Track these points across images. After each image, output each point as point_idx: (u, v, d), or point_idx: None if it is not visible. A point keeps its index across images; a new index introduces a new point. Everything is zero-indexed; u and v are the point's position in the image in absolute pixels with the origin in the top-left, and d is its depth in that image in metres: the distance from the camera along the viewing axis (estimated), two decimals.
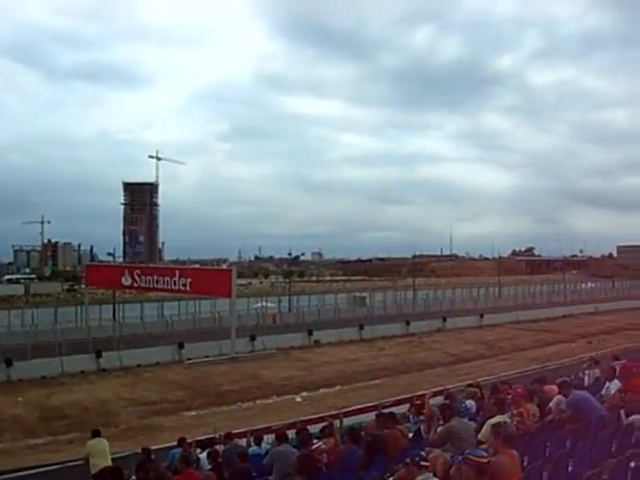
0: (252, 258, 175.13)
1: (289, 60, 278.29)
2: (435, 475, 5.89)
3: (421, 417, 11.99)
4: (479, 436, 7.91)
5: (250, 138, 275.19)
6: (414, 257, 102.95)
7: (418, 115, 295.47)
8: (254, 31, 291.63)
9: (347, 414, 17.96)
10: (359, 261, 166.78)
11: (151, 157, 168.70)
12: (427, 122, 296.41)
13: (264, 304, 53.18)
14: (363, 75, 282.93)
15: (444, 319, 49.43)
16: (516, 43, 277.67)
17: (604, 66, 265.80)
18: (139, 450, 11.95)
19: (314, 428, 12.66)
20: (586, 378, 15.25)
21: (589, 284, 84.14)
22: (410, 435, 9.87)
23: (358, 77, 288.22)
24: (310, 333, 41.35)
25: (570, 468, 6.77)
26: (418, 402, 15.05)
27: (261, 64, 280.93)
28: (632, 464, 6.17)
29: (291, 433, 11.68)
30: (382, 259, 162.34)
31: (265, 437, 13.19)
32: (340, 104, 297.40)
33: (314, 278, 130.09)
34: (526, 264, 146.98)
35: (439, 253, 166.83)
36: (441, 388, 18.63)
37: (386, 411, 12.51)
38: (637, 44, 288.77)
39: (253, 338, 38.02)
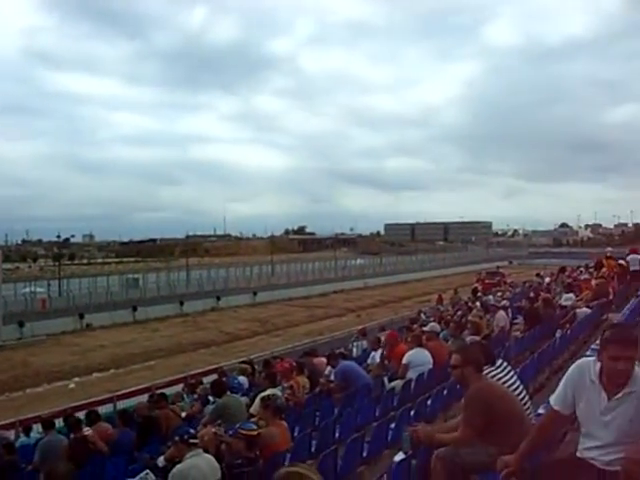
0: (20, 242, 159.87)
1: (60, 36, 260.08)
2: (206, 451, 5.91)
3: (195, 396, 12.07)
4: (251, 410, 8.12)
5: (16, 116, 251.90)
6: (187, 237, 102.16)
7: (192, 95, 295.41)
8: (20, 3, 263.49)
9: (121, 397, 17.94)
10: (132, 242, 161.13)
11: None
12: (201, 103, 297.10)
13: (32, 289, 50.22)
14: (138, 53, 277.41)
15: (218, 298, 50.17)
16: (290, 28, 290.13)
17: (371, 54, 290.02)
18: None
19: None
20: (354, 349, 16.45)
21: (358, 261, 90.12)
22: (184, 414, 9.86)
23: (133, 55, 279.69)
24: (82, 317, 40.77)
25: (337, 434, 7.22)
26: (192, 381, 15.15)
27: (29, 39, 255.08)
28: (392, 425, 6.76)
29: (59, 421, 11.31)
30: (155, 240, 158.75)
31: (34, 427, 12.68)
32: (114, 82, 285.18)
33: (85, 261, 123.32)
34: (298, 242, 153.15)
35: (213, 233, 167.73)
36: (215, 366, 18.96)
37: (158, 392, 12.59)
38: (399, 35, 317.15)
39: (22, 324, 36.86)
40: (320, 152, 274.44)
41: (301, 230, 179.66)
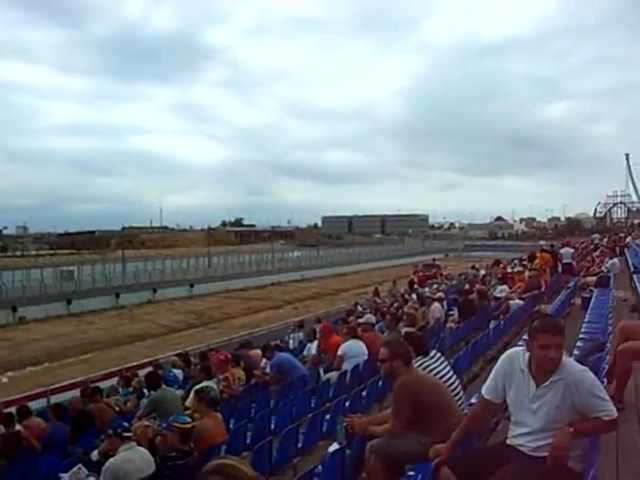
0: None
1: None
2: (140, 445, 5.84)
3: (130, 389, 11.91)
4: (186, 403, 8.03)
5: None
6: (123, 229, 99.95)
7: (129, 85, 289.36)
8: None
9: (55, 391, 17.50)
10: (67, 234, 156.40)
11: None
12: (138, 93, 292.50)
13: None
14: (73, 41, 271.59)
15: (154, 290, 49.39)
16: (229, 19, 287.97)
17: (311, 46, 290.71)
18: None
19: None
20: (291, 341, 16.46)
21: (296, 253, 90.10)
22: (118, 408, 9.72)
23: (68, 43, 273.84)
24: (15, 310, 39.62)
25: (272, 426, 7.22)
26: (128, 374, 14.91)
27: None
28: (327, 416, 6.80)
29: None
30: (91, 232, 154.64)
31: None
32: (48, 71, 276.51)
33: (19, 253, 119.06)
34: (235, 234, 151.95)
35: (149, 225, 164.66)
36: (151, 359, 18.69)
37: (92, 385, 12.40)
38: (340, 28, 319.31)
39: None
40: (258, 144, 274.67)
41: (238, 222, 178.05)
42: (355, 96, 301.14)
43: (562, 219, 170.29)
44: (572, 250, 20.49)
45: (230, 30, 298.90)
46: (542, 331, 3.31)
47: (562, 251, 19.87)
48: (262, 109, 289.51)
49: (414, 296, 19.83)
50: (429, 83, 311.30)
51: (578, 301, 13.78)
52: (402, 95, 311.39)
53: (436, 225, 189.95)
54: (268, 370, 10.06)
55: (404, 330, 9.62)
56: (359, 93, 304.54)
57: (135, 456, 5.57)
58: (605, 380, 4.79)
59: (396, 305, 19.42)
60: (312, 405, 8.07)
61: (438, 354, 5.51)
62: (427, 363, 5.25)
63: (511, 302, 13.25)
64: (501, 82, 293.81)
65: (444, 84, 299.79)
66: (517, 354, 3.51)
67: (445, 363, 5.44)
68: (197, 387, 7.75)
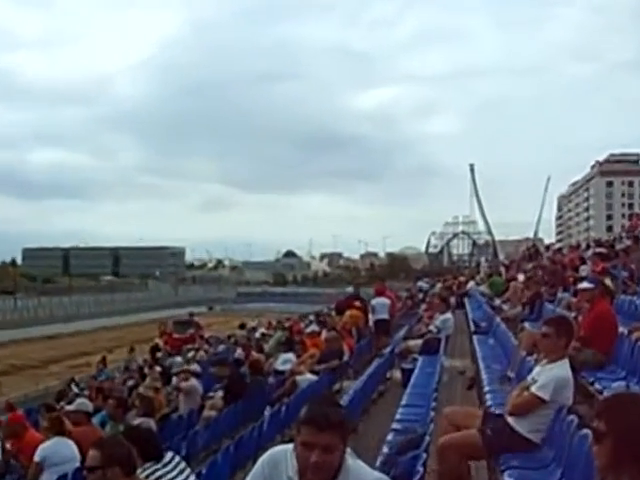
0: None
1: None
2: None
3: None
4: None
5: None
6: None
7: None
8: None
9: None
10: None
11: None
12: None
13: None
14: None
15: None
16: None
17: None
18: None
19: None
20: None
21: None
22: None
23: None
24: None
25: None
26: None
27: None
28: None
29: None
30: None
31: None
32: None
33: None
34: None
35: None
36: None
37: None
38: None
39: None
40: None
41: None
42: (79, 67, 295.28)
43: (381, 255, 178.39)
44: (388, 301, 20.47)
45: None
46: (305, 422, 3.33)
47: (374, 302, 20.07)
48: None
49: (158, 369, 19.66)
50: (189, 53, 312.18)
51: (396, 375, 14.37)
52: (148, 69, 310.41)
53: (196, 263, 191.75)
54: None
55: (137, 421, 9.46)
56: (84, 62, 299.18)
57: None
58: None
59: (130, 384, 19.13)
60: None
61: (176, 458, 5.45)
62: (159, 473, 5.17)
63: (299, 378, 13.43)
64: (298, 56, 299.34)
65: (212, 55, 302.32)
66: (284, 454, 3.51)
67: (187, 472, 5.39)
68: None
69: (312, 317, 25.95)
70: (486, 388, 9.51)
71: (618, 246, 22.80)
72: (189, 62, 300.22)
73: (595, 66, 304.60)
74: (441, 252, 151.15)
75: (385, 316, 19.60)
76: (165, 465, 5.25)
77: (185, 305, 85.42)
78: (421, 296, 31.48)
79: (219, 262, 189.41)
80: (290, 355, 15.65)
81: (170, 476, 5.17)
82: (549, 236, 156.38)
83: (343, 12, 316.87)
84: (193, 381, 14.34)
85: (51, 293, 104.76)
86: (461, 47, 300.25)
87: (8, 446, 10.87)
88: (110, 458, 4.54)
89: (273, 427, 10.70)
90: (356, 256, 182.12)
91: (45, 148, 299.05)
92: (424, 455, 5.65)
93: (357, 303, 20.72)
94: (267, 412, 11.47)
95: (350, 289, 25.29)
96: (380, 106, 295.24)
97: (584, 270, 18.57)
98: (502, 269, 34.54)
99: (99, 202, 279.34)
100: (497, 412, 6.72)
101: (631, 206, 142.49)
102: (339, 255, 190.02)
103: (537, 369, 6.47)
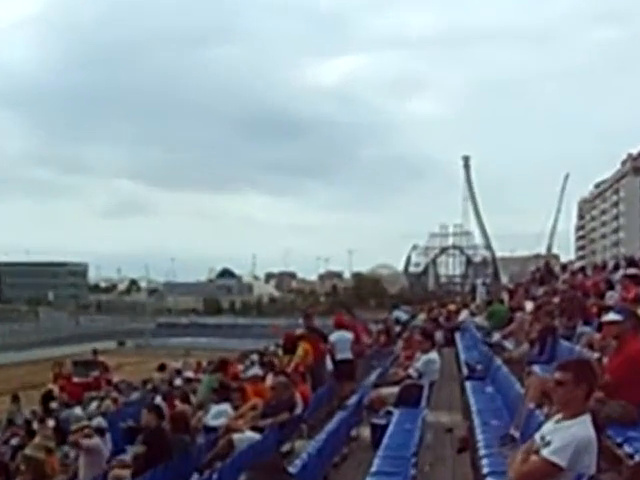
0: None
1: None
2: None
3: None
4: None
5: None
6: None
7: None
8: None
9: None
10: None
11: None
12: None
13: None
14: None
15: None
16: None
17: None
18: None
19: None
20: None
21: None
22: None
23: None
24: None
25: None
26: None
27: None
28: None
29: None
30: None
31: None
32: None
33: None
34: None
35: None
36: None
37: None
38: None
39: None
40: None
41: None
42: None
43: (346, 276, 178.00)
44: (351, 335, 20.16)
45: None
46: None
47: (333, 338, 19.65)
48: None
49: (51, 424, 19.52)
50: (93, 6, 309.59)
51: (365, 433, 14.37)
52: (36, 28, 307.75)
53: (103, 284, 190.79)
54: None
55: None
56: None
57: None
58: None
59: (14, 443, 19.03)
60: None
61: None
62: None
63: (236, 436, 13.42)
64: (240, 13, 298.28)
65: (123, 10, 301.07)
66: None
67: None
68: None
69: (254, 357, 25.92)
70: (482, 451, 9.49)
71: None
72: (92, 19, 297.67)
73: (625, 32, 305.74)
74: (425, 272, 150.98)
75: (348, 355, 19.33)
76: None
77: (88, 340, 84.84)
78: (398, 329, 31.51)
79: (133, 283, 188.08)
80: (225, 406, 15.59)
81: None
82: (566, 252, 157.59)
83: None
84: (97, 439, 14.24)
85: None
86: (455, 4, 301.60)
87: None
88: None
89: None
90: (313, 277, 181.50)
91: None
92: None
93: (313, 338, 19.93)
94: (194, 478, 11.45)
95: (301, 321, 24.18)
96: (346, 80, 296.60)
97: (611, 297, 18.73)
98: (505, 295, 34.61)
99: None
100: None
101: None
102: (291, 275, 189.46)
103: (549, 426, 6.45)
